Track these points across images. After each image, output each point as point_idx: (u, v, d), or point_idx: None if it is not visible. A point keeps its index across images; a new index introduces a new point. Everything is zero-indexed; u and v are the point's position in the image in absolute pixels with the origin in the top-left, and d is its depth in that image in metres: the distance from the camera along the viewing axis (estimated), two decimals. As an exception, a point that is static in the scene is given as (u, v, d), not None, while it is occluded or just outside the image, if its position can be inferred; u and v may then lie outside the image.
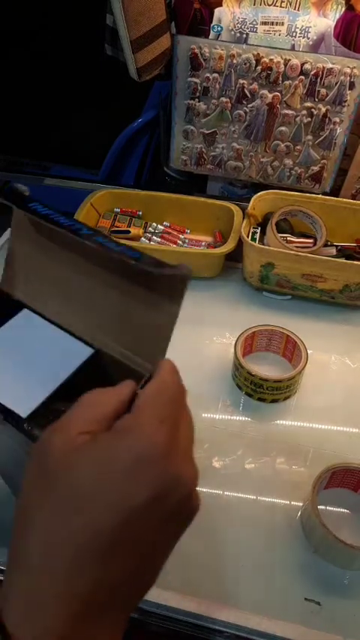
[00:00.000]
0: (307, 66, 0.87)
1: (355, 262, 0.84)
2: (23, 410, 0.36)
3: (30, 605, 0.25)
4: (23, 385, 0.38)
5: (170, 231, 1.03)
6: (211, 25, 0.92)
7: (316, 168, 0.98)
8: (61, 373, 0.39)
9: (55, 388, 0.38)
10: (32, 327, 0.42)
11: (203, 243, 1.01)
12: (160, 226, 1.03)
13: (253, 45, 0.89)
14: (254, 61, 0.88)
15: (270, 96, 0.91)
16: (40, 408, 0.36)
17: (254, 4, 0.89)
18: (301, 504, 0.65)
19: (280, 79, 0.89)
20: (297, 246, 0.90)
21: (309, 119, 0.92)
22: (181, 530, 0.29)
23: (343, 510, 0.64)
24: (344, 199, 0.95)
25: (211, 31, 0.93)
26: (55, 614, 0.24)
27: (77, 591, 0.25)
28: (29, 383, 0.38)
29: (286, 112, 0.93)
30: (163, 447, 0.27)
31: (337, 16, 0.87)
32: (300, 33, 0.90)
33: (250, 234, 0.93)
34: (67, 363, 0.39)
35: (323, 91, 0.89)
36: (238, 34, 0.92)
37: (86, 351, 0.40)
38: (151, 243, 1.00)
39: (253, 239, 0.92)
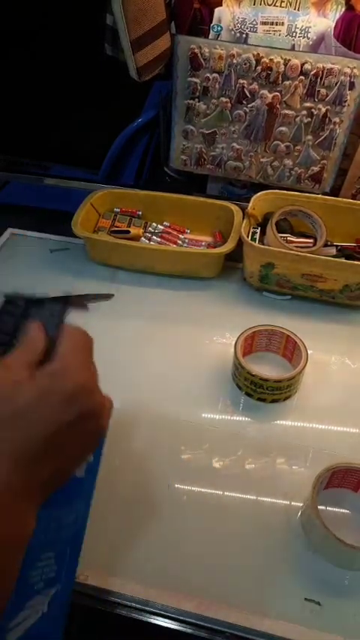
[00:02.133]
0: (307, 66, 0.87)
1: (355, 262, 0.84)
2: None
3: None
4: None
5: (170, 231, 1.03)
6: (211, 24, 0.92)
7: (316, 169, 0.98)
8: None
9: None
10: None
11: (203, 243, 1.01)
12: (160, 226, 1.03)
13: (253, 45, 0.89)
14: (254, 61, 0.88)
15: (270, 96, 0.91)
16: None
17: (254, 4, 0.89)
18: (301, 504, 0.65)
19: (280, 79, 0.89)
20: (297, 246, 0.90)
21: (309, 119, 0.92)
22: (94, 443, 0.40)
23: (343, 510, 0.64)
24: (344, 199, 0.95)
25: (211, 31, 0.93)
26: None
27: (15, 481, 0.34)
28: None
29: (286, 112, 0.93)
30: (87, 384, 0.38)
31: (337, 16, 0.87)
32: (300, 33, 0.90)
33: (250, 234, 0.93)
34: None
35: (323, 91, 0.89)
36: (238, 34, 0.92)
37: None
38: (151, 243, 1.00)
39: (253, 239, 0.92)
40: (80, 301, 0.44)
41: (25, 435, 0.35)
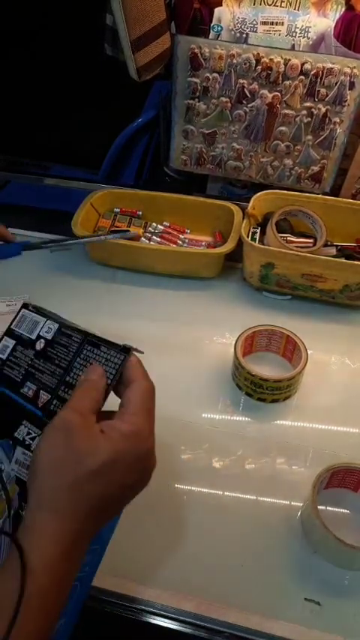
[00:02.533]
0: (307, 66, 0.87)
1: (355, 262, 0.84)
2: None
3: (40, 532, 0.36)
4: None
5: (170, 231, 1.03)
6: (211, 24, 0.92)
7: (316, 168, 0.98)
8: None
9: None
10: None
11: (203, 243, 1.01)
12: (160, 226, 1.03)
13: (253, 45, 0.89)
14: (254, 61, 0.88)
15: (270, 96, 0.91)
16: None
17: (254, 4, 0.89)
18: (301, 504, 0.65)
19: (280, 78, 0.89)
20: (297, 246, 0.90)
21: (309, 119, 0.92)
22: (139, 491, 0.42)
23: (343, 510, 0.64)
24: (344, 199, 0.95)
25: (211, 31, 0.93)
26: (54, 539, 0.36)
27: (86, 529, 0.38)
28: None
29: (286, 112, 0.93)
30: (152, 447, 0.41)
31: (337, 15, 0.87)
32: (300, 33, 0.90)
33: (250, 234, 0.93)
34: None
35: (323, 90, 0.89)
36: (238, 34, 0.92)
37: None
38: (151, 243, 1.00)
39: (253, 239, 0.92)
40: (136, 350, 0.44)
41: (99, 493, 0.38)
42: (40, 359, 0.47)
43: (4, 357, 0.49)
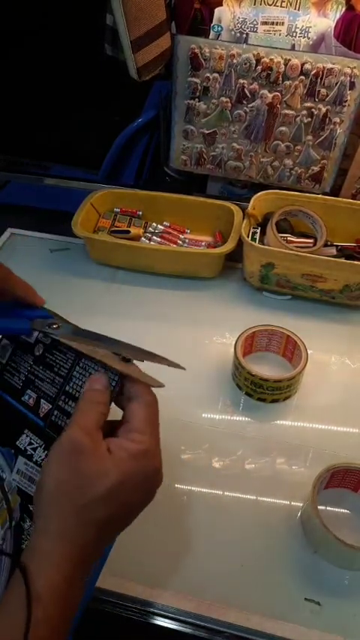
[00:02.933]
0: (307, 66, 0.87)
1: (355, 262, 0.84)
2: None
3: (47, 557, 0.36)
4: None
5: (170, 231, 1.03)
6: (211, 24, 0.92)
7: (316, 169, 0.98)
8: None
9: None
10: None
11: (203, 243, 1.01)
12: (160, 226, 1.03)
13: (253, 45, 0.89)
14: (254, 61, 0.88)
15: (270, 96, 0.91)
16: None
17: (254, 4, 0.89)
18: (301, 504, 0.65)
19: (280, 79, 0.89)
20: (297, 246, 0.90)
21: (309, 119, 0.92)
22: (150, 500, 0.41)
23: (343, 510, 0.64)
24: (344, 199, 0.95)
25: (211, 31, 0.93)
26: (60, 565, 0.36)
27: (98, 545, 0.38)
28: None
29: (286, 112, 0.93)
30: (160, 465, 0.40)
31: (337, 16, 0.87)
32: (300, 33, 0.90)
33: (250, 234, 0.93)
34: None
35: (323, 91, 0.89)
36: (238, 34, 0.92)
37: None
38: (151, 243, 1.00)
39: (253, 239, 0.92)
40: (157, 383, 0.43)
41: (107, 516, 0.37)
42: (40, 365, 0.46)
43: (3, 361, 0.48)
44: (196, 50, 0.89)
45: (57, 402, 0.44)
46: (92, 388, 0.42)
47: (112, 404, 0.42)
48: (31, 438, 0.45)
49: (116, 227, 1.02)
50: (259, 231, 0.94)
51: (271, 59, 0.87)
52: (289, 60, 0.87)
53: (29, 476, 0.44)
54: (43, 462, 0.43)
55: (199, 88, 0.93)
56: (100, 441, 0.39)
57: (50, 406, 0.44)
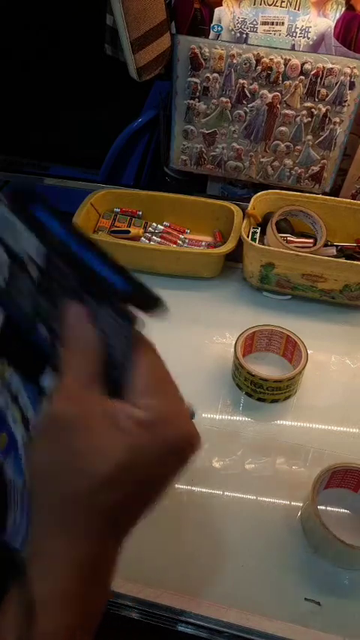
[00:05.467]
0: (307, 66, 0.87)
1: (355, 262, 0.84)
2: None
3: (50, 559, 0.30)
4: None
5: (170, 231, 1.03)
6: (211, 25, 0.92)
7: (316, 168, 0.98)
8: None
9: None
10: None
11: (203, 243, 1.01)
12: (160, 226, 1.03)
13: (253, 45, 0.89)
14: (254, 61, 0.88)
15: (270, 96, 0.91)
16: None
17: (254, 4, 0.89)
18: (301, 504, 0.65)
19: (280, 79, 0.89)
20: (297, 246, 0.90)
21: (309, 119, 0.92)
22: (183, 466, 0.32)
23: (343, 510, 0.64)
24: (344, 199, 0.95)
25: (211, 31, 0.93)
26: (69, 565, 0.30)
27: (92, 550, 0.30)
28: None
29: (286, 112, 0.93)
30: (186, 429, 0.32)
31: (337, 15, 0.87)
32: (300, 33, 0.90)
33: (250, 234, 0.93)
34: None
35: (323, 91, 0.89)
36: (238, 34, 0.92)
37: None
38: (151, 243, 1.00)
39: (253, 239, 0.92)
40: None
41: (117, 501, 0.30)
42: (41, 293, 0.34)
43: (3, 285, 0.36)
44: (196, 50, 0.89)
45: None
46: (69, 324, 0.32)
47: None
48: (52, 380, 0.35)
49: (116, 227, 1.02)
50: (259, 231, 0.94)
51: (271, 59, 0.87)
52: (289, 60, 0.87)
53: None
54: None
55: (199, 88, 0.93)
56: (95, 403, 0.30)
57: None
